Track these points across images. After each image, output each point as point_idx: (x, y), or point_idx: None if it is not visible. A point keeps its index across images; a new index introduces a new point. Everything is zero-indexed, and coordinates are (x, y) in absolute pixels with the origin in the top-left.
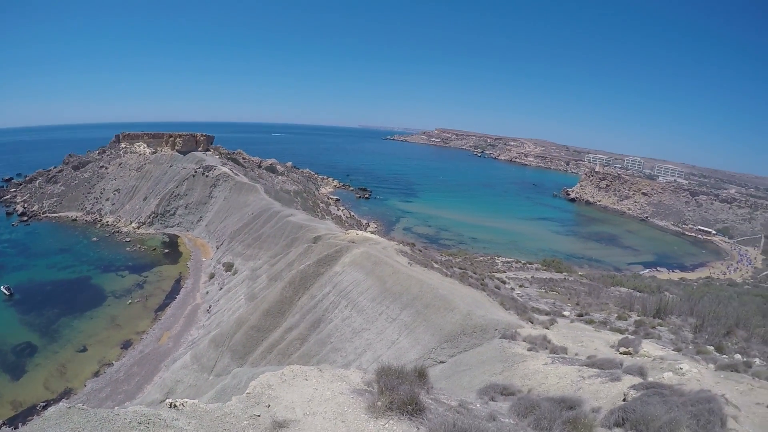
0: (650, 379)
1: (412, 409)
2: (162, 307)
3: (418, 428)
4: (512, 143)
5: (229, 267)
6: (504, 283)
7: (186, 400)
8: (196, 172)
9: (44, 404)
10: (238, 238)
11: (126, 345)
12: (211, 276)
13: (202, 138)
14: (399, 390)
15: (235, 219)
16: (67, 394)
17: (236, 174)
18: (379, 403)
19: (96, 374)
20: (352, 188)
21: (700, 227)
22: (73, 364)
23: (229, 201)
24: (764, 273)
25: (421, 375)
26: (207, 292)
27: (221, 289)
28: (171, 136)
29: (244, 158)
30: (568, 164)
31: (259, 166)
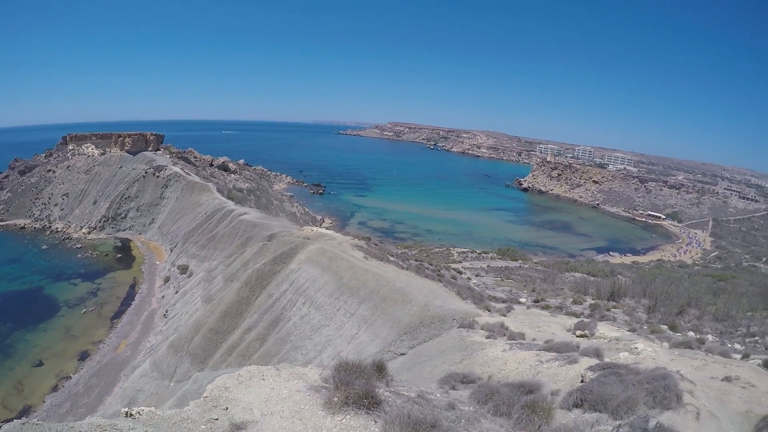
0: (607, 359)
1: (368, 402)
2: (118, 315)
3: (375, 421)
4: (465, 135)
5: (184, 269)
6: (460, 273)
7: (143, 408)
8: (146, 172)
9: (3, 423)
10: (192, 239)
11: (83, 356)
12: (166, 279)
13: (151, 137)
14: (354, 384)
15: (188, 220)
16: (26, 411)
17: (188, 173)
18: (335, 399)
19: (54, 389)
20: (305, 184)
21: (650, 212)
22: (30, 379)
23: (182, 201)
24: (713, 254)
25: (379, 368)
26: (163, 297)
27: (177, 292)
28: (120, 136)
29: (195, 157)
30: (520, 155)
31: (211, 165)
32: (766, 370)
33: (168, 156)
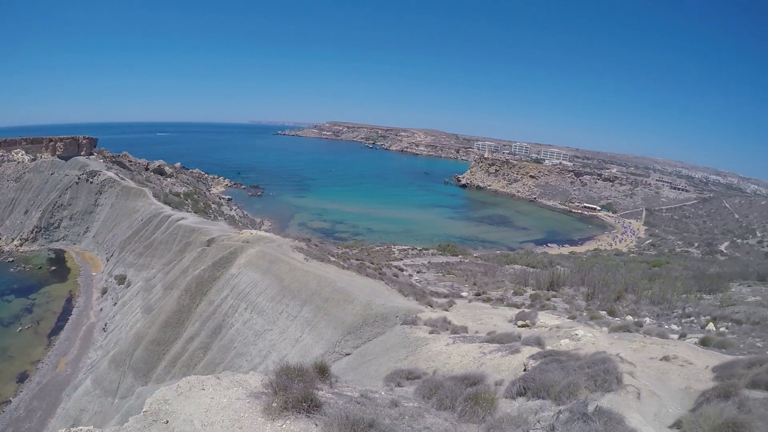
0: (548, 347)
1: (308, 406)
2: (55, 331)
3: (316, 425)
4: (403, 134)
5: (121, 279)
6: (402, 270)
7: (81, 428)
8: (79, 178)
9: None
10: (129, 248)
11: (22, 378)
12: (104, 291)
13: (84, 141)
14: (293, 388)
15: (124, 227)
16: None
17: (123, 178)
18: (275, 404)
19: None
20: (244, 186)
21: (585, 204)
22: None
23: (117, 208)
24: (647, 242)
25: (321, 370)
26: (101, 309)
27: (116, 304)
28: (51, 140)
29: (130, 161)
30: (458, 152)
31: (147, 169)
32: (703, 348)
33: (102, 161)
